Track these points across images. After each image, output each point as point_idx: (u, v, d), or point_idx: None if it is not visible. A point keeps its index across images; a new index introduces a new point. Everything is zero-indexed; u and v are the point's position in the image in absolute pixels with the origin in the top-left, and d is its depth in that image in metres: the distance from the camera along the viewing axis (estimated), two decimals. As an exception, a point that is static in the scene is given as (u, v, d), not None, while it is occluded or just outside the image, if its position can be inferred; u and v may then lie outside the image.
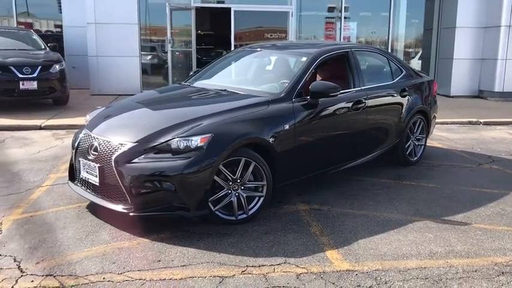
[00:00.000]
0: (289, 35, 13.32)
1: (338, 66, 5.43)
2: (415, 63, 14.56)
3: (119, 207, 3.99)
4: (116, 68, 12.45)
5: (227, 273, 3.36)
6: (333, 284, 3.26)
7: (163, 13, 12.34)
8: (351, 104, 5.14)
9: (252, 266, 3.46)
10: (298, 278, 3.32)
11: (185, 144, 3.88)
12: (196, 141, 3.88)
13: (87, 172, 4.19)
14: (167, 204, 3.90)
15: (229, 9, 12.84)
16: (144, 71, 13.32)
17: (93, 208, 4.49)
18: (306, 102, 4.68)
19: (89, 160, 4.13)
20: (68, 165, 4.83)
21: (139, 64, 12.74)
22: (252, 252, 3.69)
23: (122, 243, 3.81)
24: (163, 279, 3.26)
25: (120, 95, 12.34)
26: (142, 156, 3.91)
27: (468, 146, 7.58)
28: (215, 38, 16.08)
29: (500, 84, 12.76)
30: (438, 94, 12.63)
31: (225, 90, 4.98)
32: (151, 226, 4.08)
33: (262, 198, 4.25)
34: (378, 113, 5.55)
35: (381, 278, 3.33)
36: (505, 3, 12.40)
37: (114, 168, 3.91)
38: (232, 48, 13.14)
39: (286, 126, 4.44)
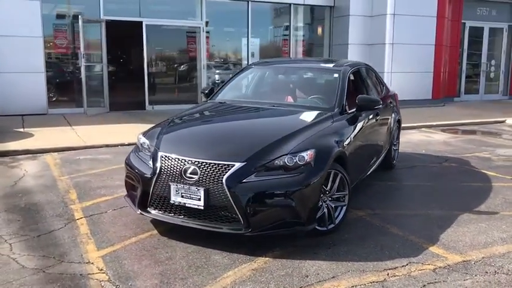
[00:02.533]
0: (200, 49, 13.42)
1: (354, 80, 5.91)
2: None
3: (231, 229, 3.92)
4: (18, 86, 11.21)
5: (378, 278, 3.58)
6: (466, 273, 3.70)
7: (72, 25, 11.50)
8: (374, 114, 5.66)
9: (390, 269, 3.73)
10: (435, 272, 3.69)
11: (294, 161, 3.97)
12: (305, 157, 4.00)
13: (182, 197, 3.98)
14: (280, 221, 3.95)
15: (141, 23, 12.48)
16: (53, 88, 12.20)
17: (171, 234, 4.28)
18: (353, 114, 5.06)
19: (188, 184, 3.95)
20: (75, 194, 4.45)
21: (45, 81, 11.64)
22: (373, 257, 3.94)
23: (250, 265, 3.75)
24: (332, 292, 3.36)
25: (24, 115, 11.15)
26: (253, 175, 3.89)
27: (413, 149, 8.67)
28: (127, 52, 15.35)
29: (387, 93, 14.54)
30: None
31: (273, 105, 5.12)
32: (254, 245, 4.05)
33: (345, 207, 4.50)
34: (383, 123, 6.17)
35: (494, 264, 3.87)
36: (388, 25, 14.22)
37: (226, 190, 3.82)
38: (145, 63, 12.76)
39: (350, 138, 4.77)
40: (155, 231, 4.38)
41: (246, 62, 14.19)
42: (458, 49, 16.44)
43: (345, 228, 4.53)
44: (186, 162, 4.02)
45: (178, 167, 4.03)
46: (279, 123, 4.79)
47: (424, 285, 3.49)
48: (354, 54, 14.63)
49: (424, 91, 15.11)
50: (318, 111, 4.90)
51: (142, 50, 12.69)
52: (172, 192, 4.02)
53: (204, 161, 3.97)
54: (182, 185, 3.97)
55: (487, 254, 4.05)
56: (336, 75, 5.45)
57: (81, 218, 4.74)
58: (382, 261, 3.87)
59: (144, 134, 4.66)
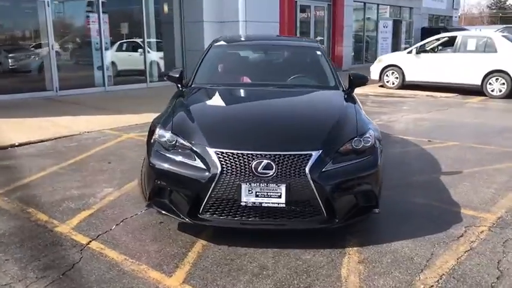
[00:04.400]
0: (47, 26, 11.58)
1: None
2: (159, 56, 14.97)
3: (317, 224, 3.60)
4: None
5: (465, 247, 3.71)
6: (515, 230, 4.11)
7: None
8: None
9: (461, 237, 3.89)
10: (493, 231, 3.99)
11: (362, 143, 3.80)
12: (370, 138, 3.87)
13: (257, 196, 3.47)
14: (357, 207, 3.76)
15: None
16: None
17: (222, 240, 3.74)
18: (350, 91, 5.05)
19: (264, 181, 3.45)
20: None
21: None
22: (431, 229, 4.00)
23: (350, 258, 3.52)
24: (448, 271, 3.38)
25: None
26: (330, 162, 3.61)
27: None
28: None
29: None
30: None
31: (279, 86, 4.84)
32: (323, 237, 3.80)
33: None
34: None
35: (520, 215, 4.38)
36: (239, 2, 14.36)
37: (310, 182, 3.47)
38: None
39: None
40: (203, 241, 3.75)
41: (99, 41, 12.80)
42: (294, 26, 17.53)
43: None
44: (255, 157, 3.50)
45: (246, 164, 3.49)
46: (317, 105, 4.53)
47: (503, 244, 3.75)
48: (209, 32, 14.42)
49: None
50: (329, 90, 4.78)
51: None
52: (244, 192, 3.47)
53: (279, 153, 3.51)
54: (257, 183, 3.45)
55: (505, 208, 4.53)
56: (318, 52, 5.34)
57: (91, 241, 3.76)
58: (444, 230, 4.01)
59: (166, 128, 3.87)
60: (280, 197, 3.46)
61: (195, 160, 3.60)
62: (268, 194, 3.46)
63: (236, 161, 3.50)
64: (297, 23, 17.88)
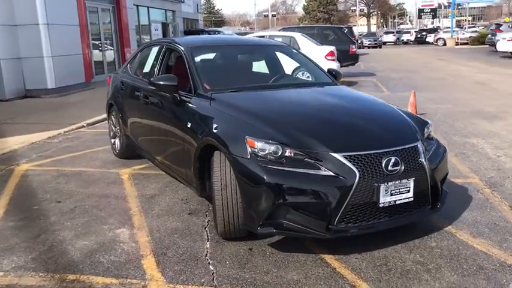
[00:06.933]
0: None
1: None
2: None
3: (428, 212, 3.76)
4: None
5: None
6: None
7: None
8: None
9: (488, 201, 4.56)
10: (495, 190, 4.78)
11: (430, 130, 4.08)
12: (432, 125, 4.18)
13: (392, 195, 3.39)
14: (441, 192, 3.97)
15: None
16: None
17: (342, 250, 3.53)
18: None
19: (397, 178, 3.40)
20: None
21: None
22: (460, 200, 4.60)
23: (462, 235, 3.75)
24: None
25: None
26: (426, 151, 3.77)
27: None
28: None
29: (52, 80, 12.97)
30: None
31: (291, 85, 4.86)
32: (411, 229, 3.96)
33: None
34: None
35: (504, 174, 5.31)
36: (37, 2, 12.51)
37: (427, 172, 3.59)
38: None
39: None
40: (325, 255, 3.46)
41: None
42: (87, 29, 16.12)
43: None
44: (382, 155, 3.41)
45: (378, 163, 3.37)
46: (362, 99, 4.52)
47: (520, 199, 4.56)
48: (3, 38, 12.18)
49: (78, 74, 14.36)
50: (335, 86, 4.87)
51: None
52: (382, 193, 3.34)
53: (401, 147, 3.51)
54: (392, 182, 3.37)
55: (471, 172, 5.37)
56: (294, 50, 5.31)
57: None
58: (469, 197, 4.58)
59: (262, 138, 3.36)
60: (409, 191, 3.46)
61: (319, 169, 3.28)
62: (400, 190, 3.43)
63: (368, 162, 3.35)
64: (88, 26, 16.47)
